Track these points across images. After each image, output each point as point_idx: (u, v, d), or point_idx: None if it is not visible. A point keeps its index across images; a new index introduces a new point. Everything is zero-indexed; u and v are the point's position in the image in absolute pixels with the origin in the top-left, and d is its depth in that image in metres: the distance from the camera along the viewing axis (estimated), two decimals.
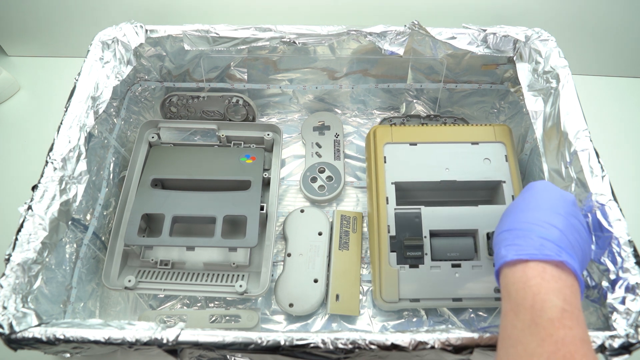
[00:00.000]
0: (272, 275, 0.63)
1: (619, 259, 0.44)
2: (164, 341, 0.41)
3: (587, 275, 0.47)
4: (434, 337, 0.41)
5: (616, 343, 0.40)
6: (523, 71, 0.62)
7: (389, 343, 0.41)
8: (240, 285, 0.57)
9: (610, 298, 0.43)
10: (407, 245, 0.59)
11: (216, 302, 0.64)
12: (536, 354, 0.32)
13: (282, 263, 0.65)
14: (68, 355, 0.45)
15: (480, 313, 0.63)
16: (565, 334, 0.32)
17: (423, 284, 0.58)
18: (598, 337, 0.40)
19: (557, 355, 0.31)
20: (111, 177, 0.65)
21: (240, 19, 0.80)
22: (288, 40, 0.64)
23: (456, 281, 0.58)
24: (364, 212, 0.70)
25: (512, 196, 0.62)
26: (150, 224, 0.66)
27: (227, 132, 0.71)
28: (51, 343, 0.42)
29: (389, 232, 0.60)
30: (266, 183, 0.67)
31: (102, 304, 0.61)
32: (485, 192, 0.66)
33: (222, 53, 0.68)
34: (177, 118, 0.76)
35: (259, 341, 0.41)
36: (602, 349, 0.40)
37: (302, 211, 0.68)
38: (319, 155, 0.74)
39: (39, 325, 0.42)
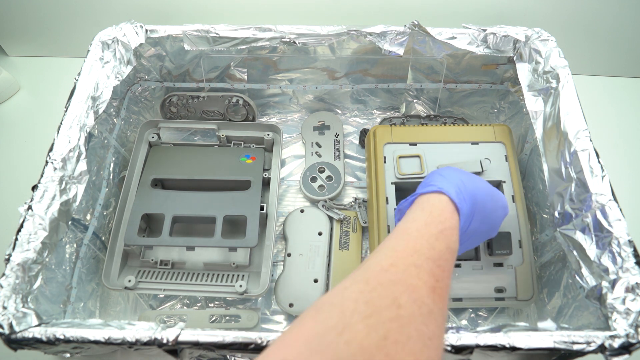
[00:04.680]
0: (272, 275, 0.63)
1: (619, 259, 0.44)
2: (164, 341, 0.41)
3: (587, 274, 0.47)
4: None
5: (616, 343, 0.40)
6: (523, 71, 0.62)
7: None
8: (240, 285, 0.57)
9: (610, 298, 0.43)
10: None
11: (216, 302, 0.64)
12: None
13: (282, 263, 0.65)
14: (68, 355, 0.45)
15: (480, 313, 0.63)
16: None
17: None
18: (598, 337, 0.40)
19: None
20: (111, 177, 0.65)
21: (240, 19, 0.80)
22: (288, 40, 0.64)
23: (456, 281, 0.58)
24: None
25: (512, 196, 0.62)
26: (150, 224, 0.66)
27: (227, 132, 0.71)
28: (51, 343, 0.42)
29: (388, 232, 0.60)
30: (266, 183, 0.67)
31: (102, 304, 0.61)
32: None
33: (222, 53, 0.68)
34: (177, 118, 0.76)
35: (259, 341, 0.41)
36: (602, 349, 0.40)
37: (302, 211, 0.68)
38: (319, 155, 0.74)
39: (39, 325, 0.42)
